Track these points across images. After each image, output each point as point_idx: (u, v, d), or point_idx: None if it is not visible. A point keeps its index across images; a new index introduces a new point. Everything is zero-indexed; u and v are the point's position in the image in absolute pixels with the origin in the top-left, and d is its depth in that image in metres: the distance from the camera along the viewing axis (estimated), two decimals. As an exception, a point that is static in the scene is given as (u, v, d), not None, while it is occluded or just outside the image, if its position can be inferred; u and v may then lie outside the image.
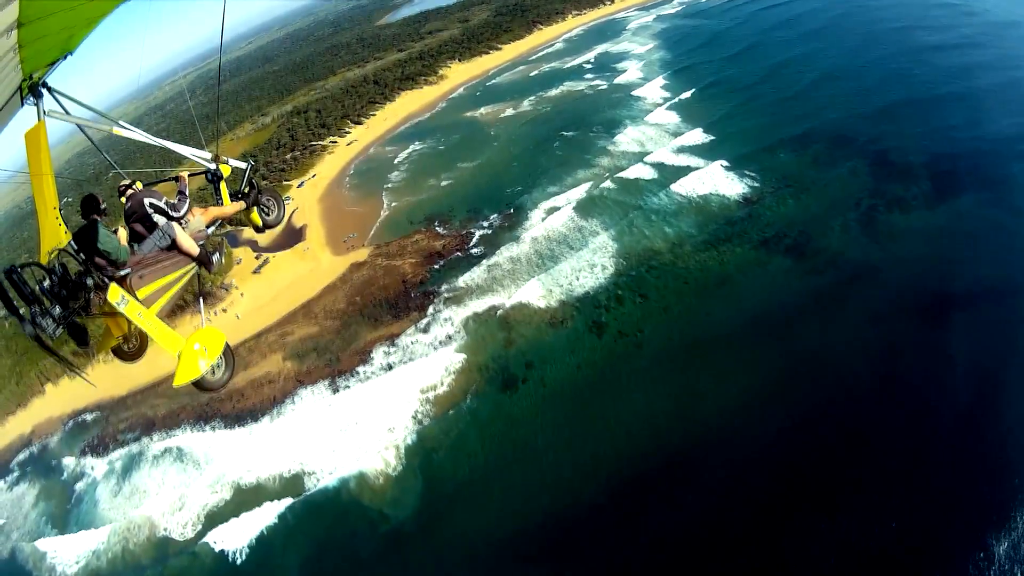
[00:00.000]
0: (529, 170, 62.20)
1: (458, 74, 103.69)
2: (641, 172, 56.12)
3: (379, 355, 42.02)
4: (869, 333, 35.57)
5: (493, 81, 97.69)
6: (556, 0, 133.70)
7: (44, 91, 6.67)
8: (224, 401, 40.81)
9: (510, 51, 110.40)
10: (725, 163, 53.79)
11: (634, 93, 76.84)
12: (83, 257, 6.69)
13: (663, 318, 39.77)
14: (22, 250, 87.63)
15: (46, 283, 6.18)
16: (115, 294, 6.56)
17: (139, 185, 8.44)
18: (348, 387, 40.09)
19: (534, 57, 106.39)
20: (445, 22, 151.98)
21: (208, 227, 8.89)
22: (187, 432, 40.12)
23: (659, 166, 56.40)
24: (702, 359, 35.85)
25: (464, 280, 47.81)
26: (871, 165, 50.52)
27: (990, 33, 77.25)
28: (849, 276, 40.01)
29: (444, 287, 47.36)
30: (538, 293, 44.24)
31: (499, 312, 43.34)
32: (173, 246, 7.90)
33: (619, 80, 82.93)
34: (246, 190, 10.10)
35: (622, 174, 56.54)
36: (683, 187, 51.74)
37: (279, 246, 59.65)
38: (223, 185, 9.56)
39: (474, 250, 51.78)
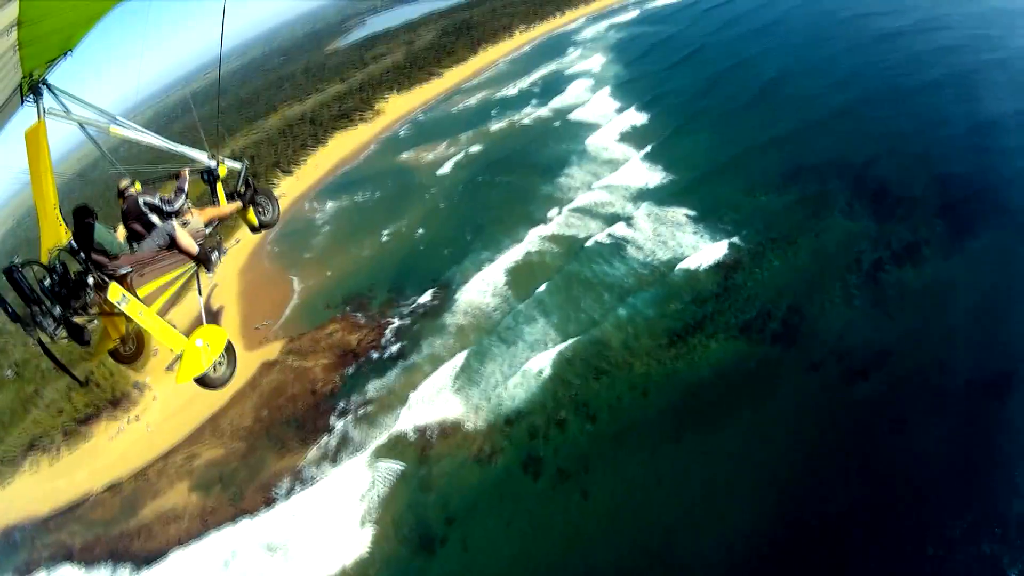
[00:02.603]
0: (461, 231, 52.82)
1: (395, 107, 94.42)
2: (589, 229, 46.62)
3: (282, 494, 34.88)
4: (897, 460, 26.69)
5: (431, 114, 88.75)
6: (503, 15, 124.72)
7: (44, 89, 6.58)
8: (134, 538, 35.35)
9: (452, 77, 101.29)
10: (691, 212, 44.37)
11: (582, 121, 67.94)
12: (83, 256, 6.63)
13: (615, 451, 30.72)
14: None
15: (46, 282, 6.13)
16: (116, 293, 6.54)
17: (138, 186, 8.35)
18: (249, 536, 33.27)
19: (476, 82, 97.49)
20: (391, 45, 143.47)
21: (206, 227, 8.67)
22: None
23: (610, 219, 46.87)
24: (667, 514, 27.38)
25: (379, 390, 39.61)
26: (869, 200, 41.79)
27: (948, 12, 74.45)
28: (859, 368, 31.16)
29: (356, 400, 39.35)
30: (461, 410, 35.87)
31: (417, 438, 35.24)
32: (172, 245, 7.83)
33: (566, 107, 73.83)
34: (242, 190, 9.88)
35: (567, 232, 47.08)
36: (640, 250, 42.22)
37: (154, 344, 50.14)
38: (219, 185, 9.44)
39: (392, 347, 43.04)
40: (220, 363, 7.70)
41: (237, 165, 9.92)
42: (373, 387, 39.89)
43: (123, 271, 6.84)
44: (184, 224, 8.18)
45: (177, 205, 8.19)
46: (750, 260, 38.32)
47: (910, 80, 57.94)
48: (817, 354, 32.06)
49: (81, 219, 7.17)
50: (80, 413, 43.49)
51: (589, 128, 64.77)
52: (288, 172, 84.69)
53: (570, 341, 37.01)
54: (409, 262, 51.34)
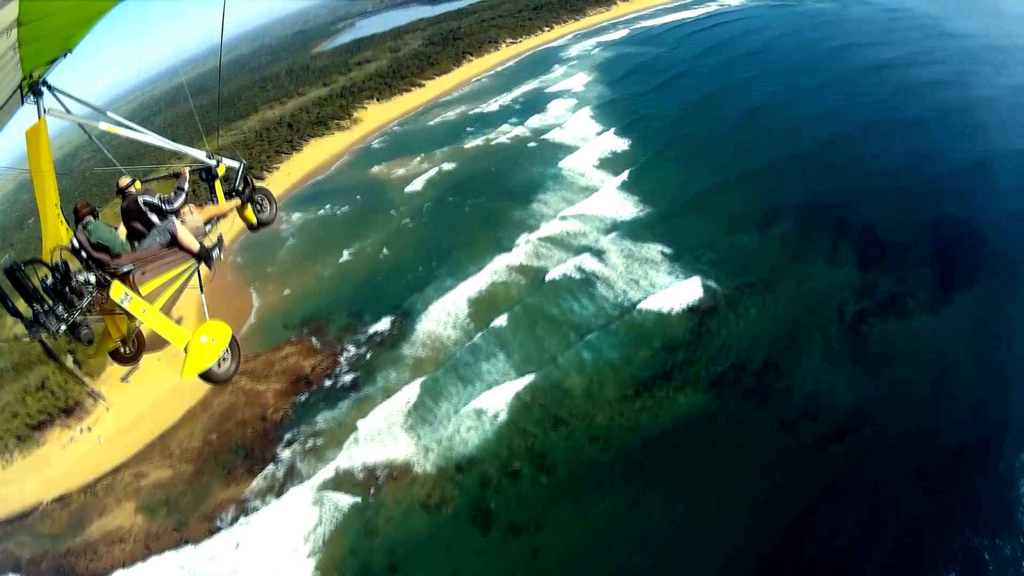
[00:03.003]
0: (426, 254, 50.18)
1: (374, 117, 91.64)
2: (558, 261, 44.22)
3: (227, 524, 32.85)
4: (867, 532, 24.80)
5: (408, 127, 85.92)
6: (491, 27, 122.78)
7: (44, 89, 6.67)
8: (80, 556, 33.38)
9: (433, 88, 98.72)
10: (666, 249, 42.07)
11: (559, 142, 65.39)
12: (85, 254, 6.75)
13: (569, 508, 28.23)
14: None
15: (48, 281, 6.17)
16: (118, 291, 6.62)
17: (137, 185, 8.40)
18: (191, 565, 31.46)
19: (458, 95, 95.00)
20: (376, 51, 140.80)
21: (206, 224, 8.75)
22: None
23: (581, 251, 44.43)
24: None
25: (329, 422, 36.92)
26: (853, 245, 39.86)
27: (938, 47, 74.82)
28: (834, 430, 29.14)
29: (306, 431, 36.85)
30: (411, 451, 33.29)
31: (364, 477, 32.79)
32: (173, 242, 7.90)
33: (545, 126, 71.34)
34: (240, 187, 10.09)
35: (535, 263, 44.67)
36: (611, 288, 39.89)
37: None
38: (218, 183, 9.55)
39: (346, 376, 40.31)
40: (224, 358, 7.72)
41: (235, 164, 9.96)
42: (323, 419, 37.35)
43: (125, 269, 6.86)
44: (183, 222, 8.16)
45: (177, 204, 8.18)
46: (726, 305, 36.09)
47: (897, 114, 56.84)
48: (791, 412, 29.90)
49: (79, 215, 7.26)
50: (34, 420, 41.72)
51: (566, 150, 62.46)
52: (260, 179, 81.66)
53: (530, 384, 34.52)
54: (370, 285, 48.66)
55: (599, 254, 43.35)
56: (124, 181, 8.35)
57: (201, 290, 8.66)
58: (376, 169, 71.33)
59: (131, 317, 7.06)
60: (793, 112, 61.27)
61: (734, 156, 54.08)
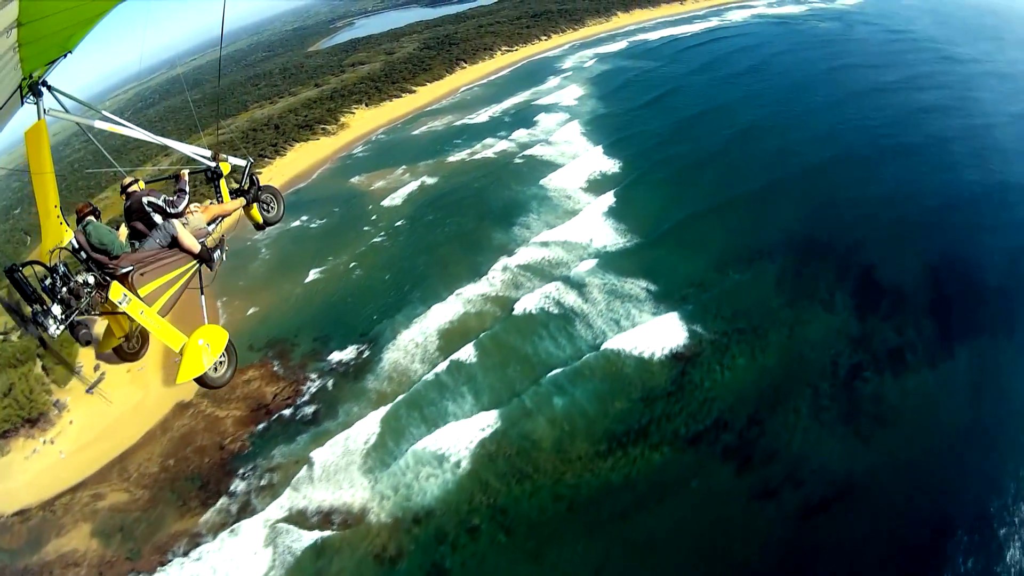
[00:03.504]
0: (400, 276, 47.85)
1: (361, 122, 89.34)
2: (536, 294, 41.70)
3: (178, 556, 31.45)
4: None
5: (395, 135, 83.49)
6: (488, 34, 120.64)
7: (44, 90, 6.63)
8: None
9: (424, 95, 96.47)
10: (651, 286, 39.74)
11: (547, 160, 63.20)
12: (84, 255, 6.73)
13: (530, 572, 26.07)
14: None
15: (47, 282, 6.17)
16: (117, 292, 6.59)
17: (141, 184, 8.41)
18: None
19: (448, 103, 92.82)
20: (371, 53, 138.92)
21: (209, 224, 8.70)
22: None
23: (561, 284, 41.94)
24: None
25: (286, 457, 35.04)
26: (853, 288, 37.96)
27: (940, 71, 73.18)
28: (819, 500, 26.99)
29: (262, 465, 35.02)
30: (367, 496, 31.31)
31: (318, 520, 30.86)
32: (174, 244, 7.82)
33: (533, 141, 69.20)
34: (246, 186, 9.88)
35: (512, 293, 42.30)
36: (590, 328, 37.51)
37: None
38: (223, 183, 9.44)
39: (307, 408, 38.18)
40: (221, 362, 7.71)
41: (241, 162, 9.75)
42: (281, 453, 35.31)
43: (124, 270, 6.86)
44: (185, 223, 8.09)
45: (180, 207, 8.20)
46: (712, 353, 33.71)
47: (895, 141, 55.50)
48: (774, 478, 27.62)
49: (81, 216, 7.28)
50: (-1, 428, 41.98)
51: (552, 167, 60.14)
52: (240, 183, 79.43)
53: (496, 431, 32.18)
54: (340, 307, 46.34)
55: (579, 287, 40.99)
56: (128, 179, 8.29)
57: (202, 292, 8.38)
58: (357, 180, 68.85)
59: (130, 318, 6.95)
60: (786, 136, 59.57)
61: (725, 180, 52.15)
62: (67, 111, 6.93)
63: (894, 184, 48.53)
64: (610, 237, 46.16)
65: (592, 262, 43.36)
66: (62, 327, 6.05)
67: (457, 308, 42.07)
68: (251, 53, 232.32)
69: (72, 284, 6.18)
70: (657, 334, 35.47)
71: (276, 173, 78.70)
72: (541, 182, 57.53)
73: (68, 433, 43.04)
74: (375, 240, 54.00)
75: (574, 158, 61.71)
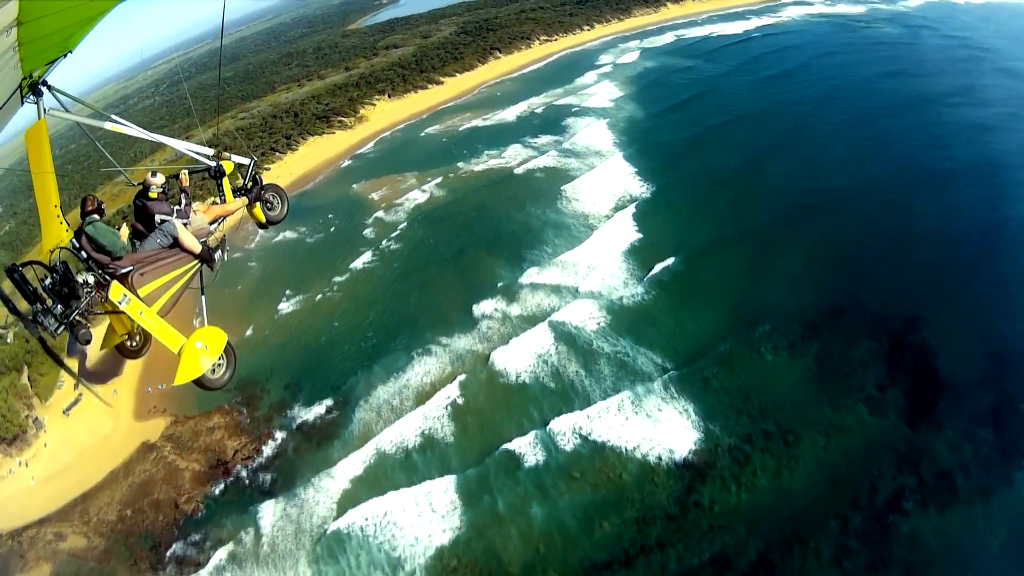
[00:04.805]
0: (387, 317, 42.56)
1: (380, 116, 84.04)
2: (536, 362, 35.46)
3: None
4: None
5: (412, 134, 77.74)
6: (528, 20, 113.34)
7: (44, 89, 6.58)
8: None
9: (451, 87, 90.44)
10: (668, 364, 33.14)
11: (573, 176, 56.50)
12: (85, 255, 6.65)
13: None
14: None
15: (47, 281, 6.14)
16: (117, 292, 6.54)
17: (160, 180, 8.07)
18: None
19: (474, 98, 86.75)
20: (407, 36, 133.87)
21: (211, 224, 8.52)
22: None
23: (566, 353, 35.52)
24: None
25: (237, 528, 32.34)
26: (909, 386, 30.51)
27: (989, 84, 66.03)
28: None
29: (213, 535, 32.49)
30: None
31: None
32: (175, 244, 7.69)
33: (561, 152, 62.34)
34: (249, 185, 9.68)
35: (505, 350, 36.48)
36: (588, 411, 31.18)
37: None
38: (226, 182, 9.22)
39: (265, 474, 34.88)
40: (219, 364, 7.54)
41: (245, 161, 9.59)
42: (232, 522, 32.62)
43: (124, 270, 6.78)
44: (187, 223, 7.95)
45: (190, 216, 8.04)
46: (729, 466, 27.11)
47: (949, 164, 48.08)
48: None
49: (85, 211, 7.16)
50: (-24, 445, 41.57)
51: (575, 188, 53.38)
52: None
53: (460, 540, 27.12)
54: (317, 348, 41.67)
55: (584, 354, 34.73)
56: (149, 176, 7.88)
57: (202, 292, 8.18)
58: (362, 186, 63.46)
59: (129, 318, 6.80)
60: (834, 151, 54.06)
61: (766, 212, 45.48)
62: (67, 110, 6.77)
63: (964, 230, 41.15)
64: (627, 286, 39.63)
65: (604, 319, 36.99)
66: (62, 327, 5.96)
67: (442, 365, 36.69)
68: (292, 28, 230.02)
69: (72, 284, 6.07)
70: (668, 430, 29.12)
71: (284, 171, 74.49)
72: (559, 205, 51.13)
73: (41, 457, 42.48)
74: (368, 264, 48.53)
75: (601, 175, 55.21)
